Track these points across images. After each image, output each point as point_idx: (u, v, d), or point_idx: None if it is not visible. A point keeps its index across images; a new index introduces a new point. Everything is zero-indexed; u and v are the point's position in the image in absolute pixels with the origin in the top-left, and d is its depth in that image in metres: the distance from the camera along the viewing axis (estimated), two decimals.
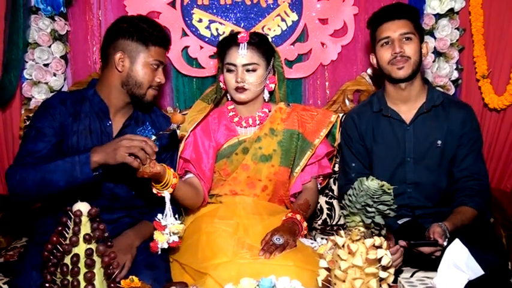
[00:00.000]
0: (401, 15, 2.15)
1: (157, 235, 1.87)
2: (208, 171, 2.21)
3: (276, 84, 2.32)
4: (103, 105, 2.05)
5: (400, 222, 2.16)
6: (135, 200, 2.15)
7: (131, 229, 2.02)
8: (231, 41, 2.21)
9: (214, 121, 2.31)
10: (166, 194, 1.90)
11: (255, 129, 2.28)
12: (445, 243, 1.88)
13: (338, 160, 2.46)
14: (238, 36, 2.18)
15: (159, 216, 1.88)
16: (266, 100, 2.31)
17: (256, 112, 2.29)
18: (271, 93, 2.32)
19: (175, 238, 1.88)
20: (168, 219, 1.87)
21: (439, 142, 2.17)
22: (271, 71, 2.28)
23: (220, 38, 2.41)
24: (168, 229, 1.86)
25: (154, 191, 1.90)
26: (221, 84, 2.31)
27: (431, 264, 1.91)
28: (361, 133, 2.28)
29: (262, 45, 2.22)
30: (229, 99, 2.33)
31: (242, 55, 2.17)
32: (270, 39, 2.65)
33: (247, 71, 2.18)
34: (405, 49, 2.12)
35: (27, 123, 2.51)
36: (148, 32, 2.00)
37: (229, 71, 2.21)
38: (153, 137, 1.81)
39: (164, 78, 2.08)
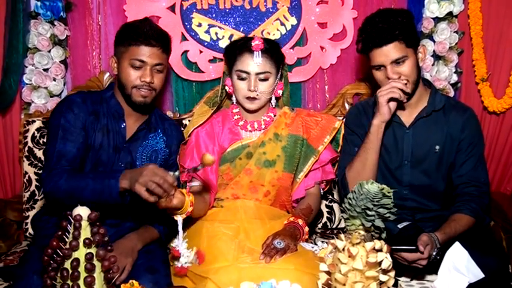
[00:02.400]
0: (390, 39, 2.01)
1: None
2: (214, 178, 2.21)
3: (283, 89, 2.30)
4: (119, 107, 2.12)
5: (400, 226, 2.16)
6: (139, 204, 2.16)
7: (134, 232, 2.03)
8: (244, 47, 2.16)
9: (218, 124, 2.29)
10: (179, 219, 1.88)
11: (259, 133, 2.27)
12: (433, 253, 1.87)
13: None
14: (253, 44, 2.12)
15: (175, 241, 1.89)
16: (273, 106, 2.28)
17: (262, 116, 2.27)
18: (277, 98, 2.31)
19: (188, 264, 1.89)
20: (180, 245, 1.86)
21: (437, 147, 2.15)
22: (279, 78, 2.25)
23: (232, 40, 2.40)
24: (182, 258, 1.86)
25: (168, 212, 1.89)
26: (227, 89, 2.28)
27: (432, 267, 1.90)
28: (365, 126, 2.23)
29: (274, 53, 2.18)
30: (234, 102, 2.30)
31: (257, 63, 2.12)
32: None
33: (260, 79, 2.15)
34: (401, 72, 2.04)
35: (27, 127, 2.52)
36: (130, 31, 2.02)
37: (241, 78, 2.16)
38: (176, 173, 1.80)
39: (151, 77, 2.02)
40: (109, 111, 2.11)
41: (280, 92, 2.27)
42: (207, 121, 2.28)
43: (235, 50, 2.18)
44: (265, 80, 2.15)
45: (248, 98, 2.17)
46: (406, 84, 2.04)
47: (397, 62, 2.03)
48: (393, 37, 2.01)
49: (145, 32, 2.01)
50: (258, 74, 2.14)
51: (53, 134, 2.04)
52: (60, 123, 2.03)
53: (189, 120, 2.52)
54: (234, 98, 2.27)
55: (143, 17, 2.16)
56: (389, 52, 2.02)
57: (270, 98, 2.25)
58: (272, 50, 2.17)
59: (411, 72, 2.05)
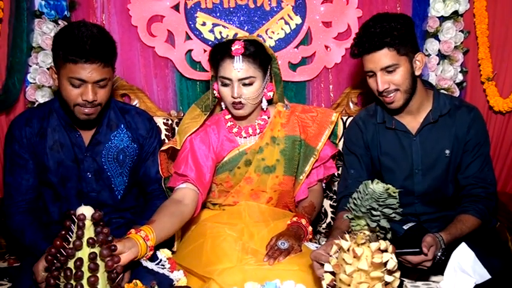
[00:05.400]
0: (379, 45, 1.95)
1: None
2: (207, 184, 2.13)
3: (274, 91, 2.20)
4: (67, 117, 2.02)
5: (405, 227, 2.14)
6: (123, 204, 2.14)
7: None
8: (224, 52, 2.05)
9: (214, 132, 2.20)
10: (146, 263, 1.80)
11: (255, 138, 2.20)
12: (438, 253, 1.85)
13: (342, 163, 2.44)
14: (232, 49, 2.02)
15: None
16: (264, 109, 2.19)
17: (256, 120, 2.20)
18: (269, 100, 2.20)
19: None
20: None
21: (447, 152, 2.11)
22: (268, 80, 2.15)
23: (214, 46, 2.29)
24: None
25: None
26: (215, 93, 2.17)
27: (437, 268, 1.89)
28: (367, 142, 2.21)
29: (258, 55, 2.06)
30: (224, 108, 2.20)
31: (238, 69, 2.02)
32: (274, 43, 2.66)
33: (244, 84, 2.04)
34: (391, 81, 1.99)
35: None
36: (67, 44, 1.81)
37: (224, 85, 2.06)
38: None
39: (92, 95, 1.85)
40: (60, 124, 2.02)
41: (270, 94, 2.16)
42: (200, 127, 2.18)
43: (217, 55, 2.08)
44: (250, 84, 2.05)
45: (233, 103, 2.07)
46: (396, 90, 2.01)
47: (387, 69, 1.98)
48: (382, 44, 1.95)
49: (82, 46, 1.79)
50: (240, 79, 2.03)
51: (4, 165, 2.05)
52: (7, 153, 2.03)
53: None
54: (223, 103, 2.17)
55: (80, 20, 1.96)
56: (379, 59, 1.97)
57: (261, 101, 2.16)
58: (255, 52, 2.05)
59: (402, 82, 2.00)
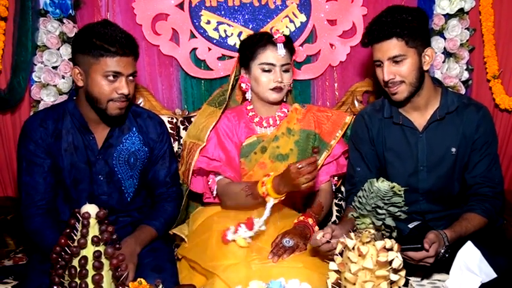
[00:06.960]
0: (388, 34, 1.97)
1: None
2: (237, 166, 2.24)
3: (292, 83, 2.33)
4: (82, 119, 2.02)
5: (410, 226, 2.14)
6: (131, 205, 2.15)
7: (131, 236, 1.96)
8: (267, 40, 2.20)
9: (234, 119, 2.31)
10: (271, 201, 1.97)
11: (273, 128, 2.29)
12: (442, 250, 1.84)
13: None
14: (276, 37, 2.19)
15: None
16: (285, 100, 2.33)
17: (276, 112, 2.30)
18: (289, 91, 2.35)
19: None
20: (258, 223, 1.94)
21: (453, 150, 2.09)
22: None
23: (243, 37, 2.40)
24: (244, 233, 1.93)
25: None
26: (243, 86, 2.29)
27: (441, 266, 1.88)
28: (373, 137, 2.20)
29: (291, 45, 2.26)
30: (249, 99, 2.31)
31: (282, 55, 2.18)
32: None
33: (283, 71, 2.20)
34: (397, 72, 1.99)
35: None
36: (100, 40, 1.87)
37: (265, 71, 2.20)
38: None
39: (128, 88, 1.93)
40: (74, 126, 2.03)
41: (292, 85, 2.31)
42: (220, 118, 2.28)
43: (256, 45, 2.21)
44: (287, 71, 2.22)
45: (274, 88, 2.20)
46: (401, 82, 2.01)
47: (395, 60, 1.99)
48: (391, 33, 1.97)
49: (119, 40, 1.89)
50: (282, 65, 2.19)
51: (19, 166, 2.03)
52: (22, 154, 2.01)
53: None
54: (248, 95, 2.29)
55: (102, 20, 2.03)
56: (387, 48, 1.99)
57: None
58: (289, 42, 2.24)
59: (408, 74, 2.00)
